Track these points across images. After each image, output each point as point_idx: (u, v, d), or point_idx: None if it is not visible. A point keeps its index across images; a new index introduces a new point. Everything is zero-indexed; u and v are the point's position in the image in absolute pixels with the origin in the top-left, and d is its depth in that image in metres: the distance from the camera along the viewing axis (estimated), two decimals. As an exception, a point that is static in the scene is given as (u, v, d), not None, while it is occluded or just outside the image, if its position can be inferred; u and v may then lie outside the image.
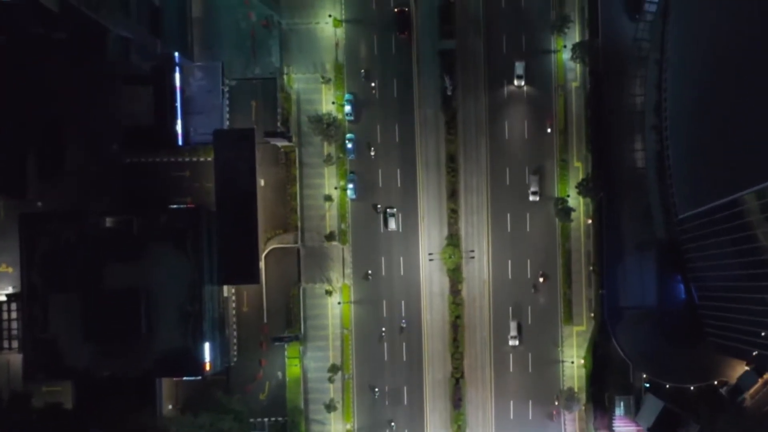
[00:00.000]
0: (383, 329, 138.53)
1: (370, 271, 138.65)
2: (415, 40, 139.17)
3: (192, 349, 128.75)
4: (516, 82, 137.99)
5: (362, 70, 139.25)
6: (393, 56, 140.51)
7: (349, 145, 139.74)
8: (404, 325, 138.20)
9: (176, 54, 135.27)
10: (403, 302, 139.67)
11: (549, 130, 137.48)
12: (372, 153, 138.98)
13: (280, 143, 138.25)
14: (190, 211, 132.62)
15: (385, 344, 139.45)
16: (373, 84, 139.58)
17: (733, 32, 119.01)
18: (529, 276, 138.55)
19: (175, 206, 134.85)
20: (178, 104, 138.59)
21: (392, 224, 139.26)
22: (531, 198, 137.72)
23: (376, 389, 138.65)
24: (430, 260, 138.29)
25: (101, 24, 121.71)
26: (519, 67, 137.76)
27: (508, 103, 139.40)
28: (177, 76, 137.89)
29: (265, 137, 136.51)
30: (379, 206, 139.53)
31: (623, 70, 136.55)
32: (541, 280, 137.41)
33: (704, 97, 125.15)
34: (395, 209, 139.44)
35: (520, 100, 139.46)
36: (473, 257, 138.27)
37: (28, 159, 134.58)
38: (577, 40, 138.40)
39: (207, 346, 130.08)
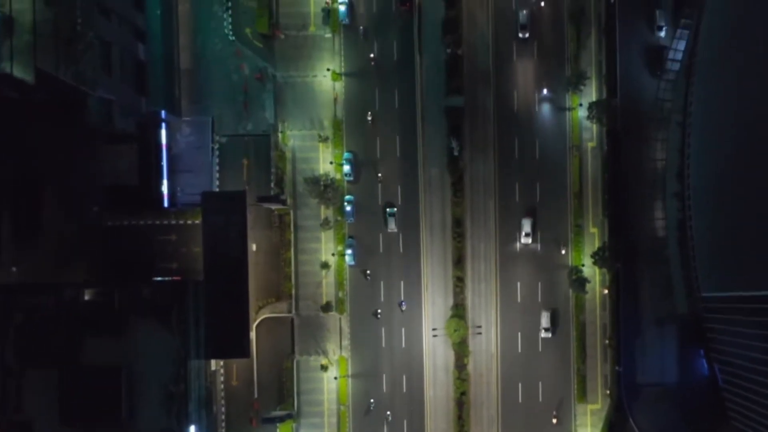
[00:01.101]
0: (376, 406, 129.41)
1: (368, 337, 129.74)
2: (419, 79, 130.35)
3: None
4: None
5: (369, 117, 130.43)
6: (396, 111, 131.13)
7: (348, 208, 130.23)
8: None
9: (162, 112, 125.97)
10: (404, 376, 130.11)
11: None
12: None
13: (274, 206, 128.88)
14: (175, 284, 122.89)
15: (385, 424, 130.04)
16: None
17: (764, 97, 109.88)
18: (540, 349, 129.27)
19: (159, 278, 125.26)
20: (164, 163, 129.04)
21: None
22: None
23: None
24: (434, 336, 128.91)
25: (80, 89, 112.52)
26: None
27: (518, 164, 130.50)
28: (163, 132, 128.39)
29: (258, 201, 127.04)
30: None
31: (643, 131, 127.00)
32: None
33: (731, 166, 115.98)
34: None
35: (532, 158, 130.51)
36: (480, 333, 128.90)
37: (2, 222, 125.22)
38: (594, 98, 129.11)
39: (192, 429, 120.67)
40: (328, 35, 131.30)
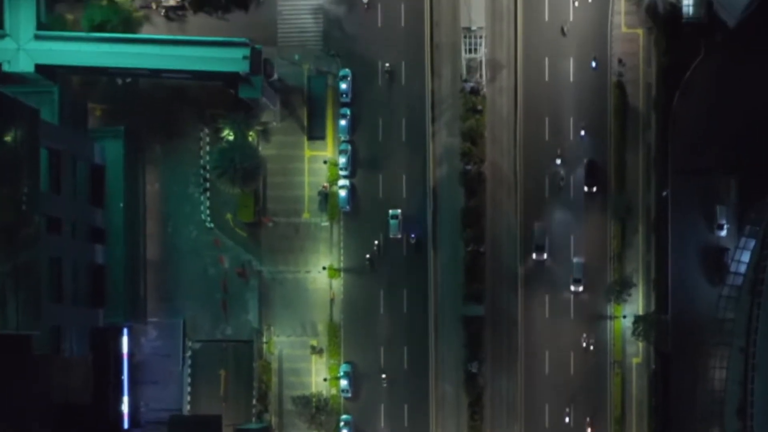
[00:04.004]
0: None
1: None
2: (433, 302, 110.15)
3: None
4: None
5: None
6: (405, 317, 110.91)
7: (345, 431, 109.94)
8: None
9: (125, 328, 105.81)
10: None
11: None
12: None
13: None
14: None
15: None
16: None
17: None
18: None
19: None
20: (125, 376, 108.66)
21: None
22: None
23: None
24: None
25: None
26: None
27: (549, 381, 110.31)
28: (125, 340, 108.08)
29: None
30: None
31: (699, 355, 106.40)
32: None
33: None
34: None
35: (566, 374, 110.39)
36: None
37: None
38: (641, 307, 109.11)
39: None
40: (325, 224, 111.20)
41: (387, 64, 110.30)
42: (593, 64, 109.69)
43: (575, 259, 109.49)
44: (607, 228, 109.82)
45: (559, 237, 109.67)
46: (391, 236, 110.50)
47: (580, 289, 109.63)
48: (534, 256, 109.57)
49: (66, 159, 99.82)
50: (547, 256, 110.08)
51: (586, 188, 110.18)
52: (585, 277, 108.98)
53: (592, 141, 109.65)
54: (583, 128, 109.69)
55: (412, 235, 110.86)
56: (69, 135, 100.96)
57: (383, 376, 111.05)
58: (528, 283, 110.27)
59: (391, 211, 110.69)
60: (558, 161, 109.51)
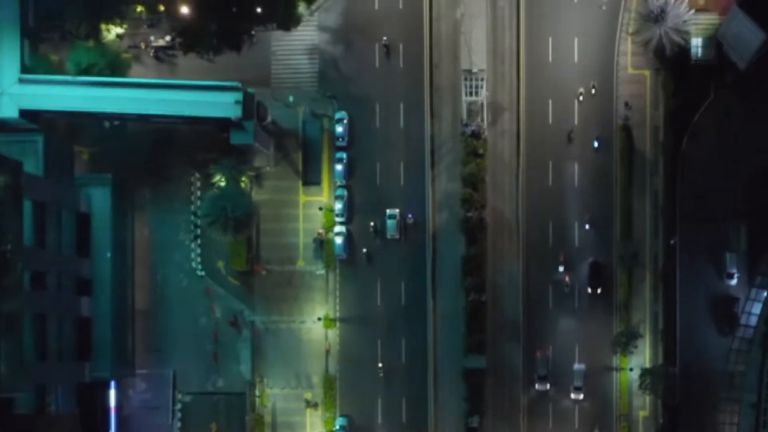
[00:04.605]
0: None
1: None
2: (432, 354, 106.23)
3: None
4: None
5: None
6: (403, 368, 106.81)
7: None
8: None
9: (111, 382, 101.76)
10: None
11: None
12: None
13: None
14: None
15: None
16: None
17: None
18: None
19: None
20: (113, 430, 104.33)
21: None
22: None
23: None
24: None
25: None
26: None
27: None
28: (112, 394, 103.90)
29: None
30: None
31: (707, 412, 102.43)
32: None
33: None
34: None
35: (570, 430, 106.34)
36: None
37: None
38: (648, 358, 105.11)
39: None
40: (321, 272, 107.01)
41: (385, 106, 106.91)
42: (596, 144, 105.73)
43: (576, 366, 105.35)
44: (614, 277, 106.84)
45: (563, 290, 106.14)
46: (388, 237, 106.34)
47: (581, 397, 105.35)
48: (537, 386, 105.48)
49: (51, 210, 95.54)
50: (552, 304, 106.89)
51: (590, 289, 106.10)
52: (593, 336, 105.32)
53: (595, 199, 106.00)
54: (587, 222, 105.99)
55: (410, 215, 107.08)
56: (54, 186, 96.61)
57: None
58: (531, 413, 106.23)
59: (388, 211, 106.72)
60: (561, 268, 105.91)
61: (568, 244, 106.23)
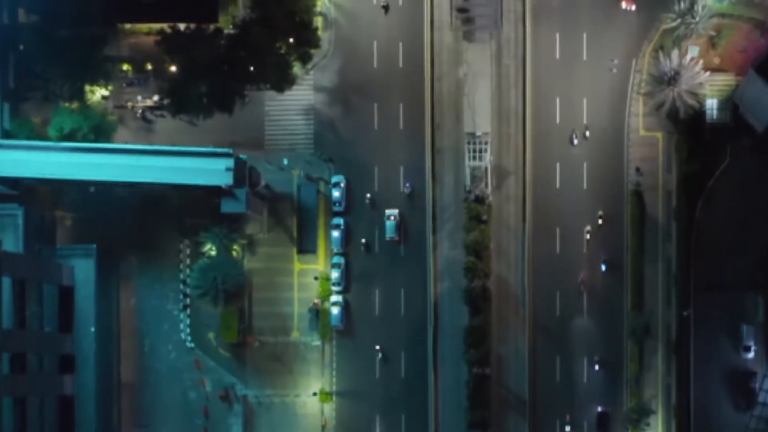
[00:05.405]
0: None
1: None
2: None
3: None
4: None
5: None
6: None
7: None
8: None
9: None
10: None
11: None
12: None
13: None
14: None
15: None
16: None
17: None
18: None
19: None
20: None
21: None
22: None
23: None
24: None
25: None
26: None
27: None
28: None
29: None
30: None
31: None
32: None
33: None
34: None
35: None
36: None
37: None
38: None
39: None
40: (316, 343, 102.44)
41: (383, 169, 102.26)
42: (599, 221, 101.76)
43: None
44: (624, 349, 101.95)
45: (573, 361, 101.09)
46: (387, 237, 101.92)
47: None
48: None
49: (31, 286, 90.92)
50: (560, 377, 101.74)
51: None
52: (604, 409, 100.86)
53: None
54: (596, 363, 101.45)
55: (407, 184, 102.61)
56: (35, 261, 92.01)
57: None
58: (537, 406, 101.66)
59: (387, 211, 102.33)
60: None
61: (577, 316, 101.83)
